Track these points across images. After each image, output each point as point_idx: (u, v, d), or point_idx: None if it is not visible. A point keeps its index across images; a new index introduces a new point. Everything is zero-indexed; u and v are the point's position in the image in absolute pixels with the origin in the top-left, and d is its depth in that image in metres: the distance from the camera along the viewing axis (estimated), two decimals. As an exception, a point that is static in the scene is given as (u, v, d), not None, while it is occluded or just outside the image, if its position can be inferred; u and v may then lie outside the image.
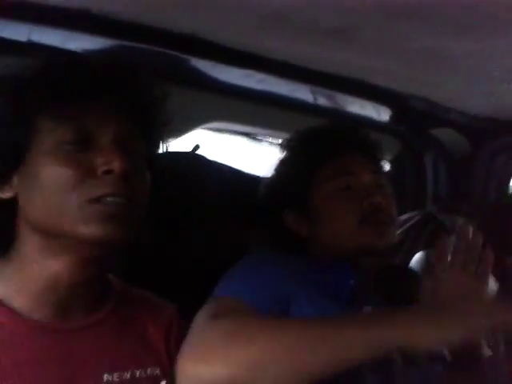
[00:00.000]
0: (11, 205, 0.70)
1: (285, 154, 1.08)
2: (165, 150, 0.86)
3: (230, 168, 1.25)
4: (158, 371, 0.75)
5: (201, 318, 0.77)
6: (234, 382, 0.65)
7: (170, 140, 1.19)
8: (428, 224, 1.68)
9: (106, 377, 0.70)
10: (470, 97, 1.37)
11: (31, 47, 0.98)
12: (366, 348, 0.64)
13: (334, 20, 0.93)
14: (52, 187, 0.67)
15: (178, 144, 1.30)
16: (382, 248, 0.96)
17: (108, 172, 0.67)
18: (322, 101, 1.41)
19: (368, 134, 1.08)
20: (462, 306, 0.66)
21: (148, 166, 0.76)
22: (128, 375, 0.72)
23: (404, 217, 1.68)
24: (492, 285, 0.85)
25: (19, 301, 0.69)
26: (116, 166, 0.66)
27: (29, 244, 0.70)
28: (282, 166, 1.08)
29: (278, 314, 0.84)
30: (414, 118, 1.53)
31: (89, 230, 0.66)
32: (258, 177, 1.24)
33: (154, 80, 0.77)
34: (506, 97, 1.33)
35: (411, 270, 1.09)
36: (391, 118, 1.54)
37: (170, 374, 0.75)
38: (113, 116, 0.71)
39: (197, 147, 1.22)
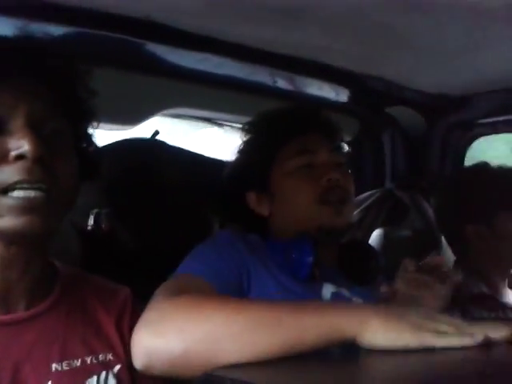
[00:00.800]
0: None
1: (247, 135, 1.10)
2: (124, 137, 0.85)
3: (190, 153, 1.25)
4: (110, 356, 0.74)
5: (160, 294, 0.78)
6: (188, 356, 0.66)
7: (129, 126, 1.18)
8: (387, 201, 1.73)
9: (54, 366, 0.69)
10: (423, 74, 1.40)
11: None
12: (317, 335, 0.65)
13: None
14: None
15: (137, 131, 1.29)
16: (340, 226, 0.99)
17: (20, 157, 0.63)
18: (281, 83, 1.41)
19: (328, 114, 1.11)
20: (420, 318, 0.65)
21: (76, 145, 0.73)
22: (78, 363, 0.71)
23: (364, 195, 1.72)
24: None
25: None
26: (28, 150, 0.63)
27: None
28: (245, 147, 1.09)
29: (235, 294, 0.86)
30: (371, 97, 1.56)
31: (3, 222, 0.64)
32: (219, 161, 1.24)
33: (82, 62, 0.74)
34: (457, 73, 1.37)
35: (370, 246, 1.12)
36: (349, 98, 1.56)
37: (124, 358, 0.75)
38: (24, 96, 0.67)
39: (156, 133, 1.22)
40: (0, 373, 0.65)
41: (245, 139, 1.10)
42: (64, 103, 0.71)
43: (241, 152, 1.10)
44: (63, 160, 0.68)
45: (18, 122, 0.65)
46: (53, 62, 0.72)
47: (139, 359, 0.70)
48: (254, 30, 1.09)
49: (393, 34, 1.07)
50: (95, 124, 0.79)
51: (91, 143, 0.79)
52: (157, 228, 1.09)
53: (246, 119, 1.17)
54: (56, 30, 1.01)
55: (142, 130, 1.30)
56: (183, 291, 0.77)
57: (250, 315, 0.68)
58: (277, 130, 1.05)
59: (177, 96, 1.32)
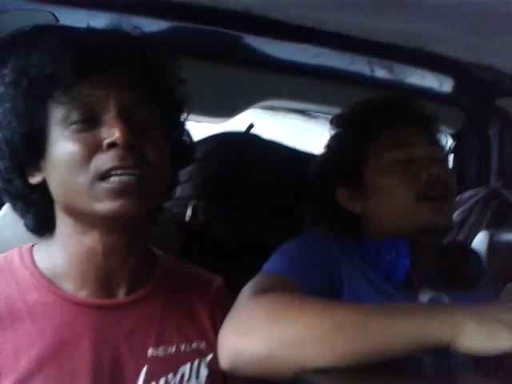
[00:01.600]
0: (46, 189, 0.73)
1: (336, 129, 1.05)
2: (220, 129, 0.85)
3: (284, 147, 1.24)
4: (203, 345, 0.76)
5: (246, 292, 0.77)
6: (272, 357, 0.65)
7: (225, 119, 1.20)
8: (492, 201, 1.61)
9: (150, 351, 0.72)
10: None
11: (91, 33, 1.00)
12: (407, 341, 0.62)
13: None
14: (63, 166, 0.68)
15: (233, 123, 1.30)
16: (441, 227, 0.92)
17: (112, 145, 0.67)
18: (380, 73, 1.36)
19: (422, 105, 1.03)
20: None
21: (168, 133, 0.75)
22: (173, 349, 0.74)
23: (468, 193, 1.62)
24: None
25: (66, 280, 0.72)
26: (118, 137, 0.66)
27: (64, 223, 0.73)
28: (334, 141, 1.04)
29: (324, 294, 0.83)
30: (479, 88, 1.45)
31: (103, 206, 0.67)
32: (314, 155, 1.22)
33: (182, 55, 0.76)
34: None
35: (473, 249, 1.03)
36: (454, 88, 1.47)
37: (216, 347, 0.75)
38: (114, 88, 0.70)
39: (251, 126, 1.22)
40: (101, 354, 0.69)
41: (333, 133, 1.04)
42: (155, 93, 0.74)
43: (330, 146, 1.04)
44: (155, 147, 0.71)
45: (109, 113, 0.69)
46: (143, 52, 0.74)
47: (224, 359, 0.71)
48: (354, 18, 1.04)
49: (506, 22, 0.98)
50: (187, 114, 0.81)
51: (183, 133, 0.81)
52: (251, 221, 1.09)
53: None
54: (157, 25, 1.04)
55: (236, 123, 1.32)
56: (270, 290, 0.76)
57: (335, 318, 0.66)
58: (369, 122, 0.98)
59: (273, 88, 1.32)
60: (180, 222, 0.98)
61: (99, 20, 1.00)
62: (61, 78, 0.68)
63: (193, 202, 1.01)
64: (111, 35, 0.74)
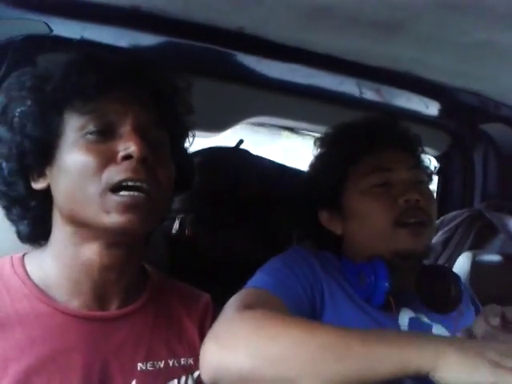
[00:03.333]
0: (47, 197, 0.73)
1: (319, 149, 1.05)
2: (209, 144, 0.87)
3: (272, 163, 1.25)
4: (191, 361, 0.76)
5: (230, 307, 0.77)
6: (255, 373, 0.65)
7: (214, 133, 1.21)
8: (476, 222, 1.63)
9: (139, 365, 0.72)
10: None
11: (84, 44, 1.01)
12: (389, 367, 0.62)
13: (382, 13, 0.91)
14: (75, 175, 0.69)
15: (222, 138, 1.31)
16: (417, 252, 0.92)
17: (127, 157, 0.69)
18: (369, 94, 1.38)
19: (407, 127, 1.03)
20: (498, 354, 0.60)
21: (173, 156, 0.77)
22: (162, 364, 0.74)
23: (451, 214, 1.64)
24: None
25: (58, 290, 0.72)
26: (134, 150, 0.68)
27: (62, 232, 0.73)
28: (317, 162, 1.04)
29: (306, 310, 0.83)
30: (464, 112, 1.48)
31: (110, 219, 0.68)
32: (302, 171, 1.23)
33: (175, 71, 0.78)
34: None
35: (451, 272, 1.04)
36: (440, 112, 1.50)
37: None
38: (132, 106, 0.72)
39: (240, 142, 1.23)
40: (91, 366, 0.69)
41: (317, 154, 1.04)
42: (165, 116, 0.76)
43: (313, 168, 1.05)
44: (165, 167, 0.74)
45: (126, 128, 0.71)
46: (159, 75, 0.77)
47: (207, 373, 0.71)
48: (343, 41, 1.07)
49: (494, 50, 1.00)
50: (190, 139, 0.83)
51: (186, 156, 0.83)
52: (237, 236, 1.09)
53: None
54: (149, 40, 1.05)
55: (225, 138, 1.33)
56: (253, 306, 0.76)
57: (320, 339, 0.66)
58: (350, 145, 0.98)
59: (263, 105, 1.33)
60: (167, 235, 0.99)
61: (93, 32, 1.02)
62: (84, 88, 0.70)
63: (180, 216, 1.01)
64: (134, 56, 0.78)
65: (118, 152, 0.69)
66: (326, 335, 0.67)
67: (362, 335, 0.67)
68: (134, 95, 0.73)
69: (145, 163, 0.69)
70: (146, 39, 1.05)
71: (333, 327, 0.71)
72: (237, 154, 1.20)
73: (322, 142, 1.05)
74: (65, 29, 1.01)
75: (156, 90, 0.75)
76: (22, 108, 0.72)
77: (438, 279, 0.97)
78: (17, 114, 0.72)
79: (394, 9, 0.88)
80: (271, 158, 1.28)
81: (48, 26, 1.01)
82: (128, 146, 0.69)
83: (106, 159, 0.69)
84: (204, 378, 0.71)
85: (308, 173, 1.06)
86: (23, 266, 0.74)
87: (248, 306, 0.76)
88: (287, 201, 1.10)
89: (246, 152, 1.20)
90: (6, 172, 0.73)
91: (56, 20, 0.98)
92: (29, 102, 0.72)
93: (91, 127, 0.70)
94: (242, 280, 0.86)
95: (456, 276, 1.00)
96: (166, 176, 0.73)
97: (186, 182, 0.83)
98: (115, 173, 0.68)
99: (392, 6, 0.88)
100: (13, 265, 0.74)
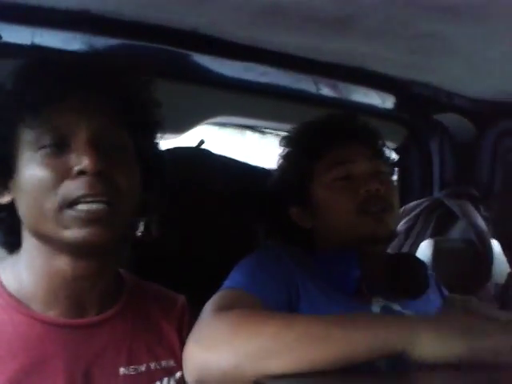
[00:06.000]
0: (14, 209, 0.72)
1: (284, 149, 1.09)
2: (170, 146, 0.86)
3: (235, 161, 1.26)
4: (172, 363, 0.77)
5: (208, 309, 0.78)
6: (239, 370, 0.66)
7: (175, 135, 1.21)
8: (436, 210, 1.68)
9: (122, 370, 0.72)
10: (473, 81, 1.36)
11: (34, 50, 0.99)
12: (367, 349, 0.65)
13: (333, 9, 0.93)
14: (32, 190, 0.67)
15: (183, 139, 1.31)
16: (382, 236, 0.96)
17: (81, 173, 0.66)
18: (326, 91, 1.41)
19: (366, 121, 1.07)
20: (471, 323, 0.65)
21: (138, 160, 0.74)
22: (143, 368, 0.74)
23: (412, 204, 1.69)
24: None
25: (34, 299, 0.71)
26: (87, 165, 0.66)
27: (30, 245, 0.72)
28: (283, 162, 1.08)
29: (284, 307, 0.85)
30: (418, 104, 1.53)
31: (70, 234, 0.66)
32: (264, 169, 1.25)
33: (136, 74, 0.76)
34: (508, 79, 1.32)
35: (419, 260, 1.08)
36: (395, 105, 1.53)
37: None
38: (85, 114, 0.69)
39: (202, 142, 1.23)
40: (73, 374, 0.68)
41: (282, 153, 1.08)
42: (127, 116, 0.73)
43: (279, 167, 1.09)
44: (125, 173, 0.71)
45: (79, 140, 0.68)
46: (114, 76, 0.74)
47: (191, 374, 0.71)
48: (297, 38, 1.09)
49: (442, 42, 1.04)
50: (160, 135, 0.81)
51: (156, 154, 0.81)
52: (202, 236, 1.10)
53: (290, 127, 1.17)
54: (103, 42, 1.04)
55: (187, 139, 1.33)
56: (232, 306, 0.77)
57: (299, 329, 0.68)
58: (312, 142, 1.03)
59: (222, 105, 1.34)
60: (132, 237, 0.98)
61: (43, 37, 1.00)
62: (31, 102, 0.67)
63: (145, 218, 1.00)
64: (83, 58, 0.75)
65: (71, 166, 0.67)
66: (304, 324, 0.69)
67: (339, 320, 0.69)
68: (86, 101, 0.70)
69: (101, 175, 0.67)
70: (100, 42, 1.04)
71: (309, 316, 0.74)
72: (198, 153, 1.20)
73: (286, 141, 1.09)
74: (14, 35, 0.99)
75: (111, 90, 0.72)
76: None
77: (405, 266, 1.02)
78: None
79: (341, 4, 0.90)
80: (234, 157, 1.28)
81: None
82: (81, 161, 0.66)
83: (62, 174, 0.67)
84: (188, 379, 0.72)
85: (276, 172, 1.09)
86: None
87: (227, 307, 0.77)
88: (251, 199, 1.11)
89: (206, 151, 1.20)
90: None
91: (5, 26, 0.96)
92: None
93: (44, 141, 0.68)
94: (209, 280, 0.86)
95: (423, 263, 1.04)
96: (128, 182, 0.70)
97: (157, 181, 0.80)
98: (71, 189, 0.66)
99: (342, 2, 0.91)
100: None
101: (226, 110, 1.36)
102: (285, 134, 1.12)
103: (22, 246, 0.73)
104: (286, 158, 1.08)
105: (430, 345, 0.63)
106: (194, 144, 1.25)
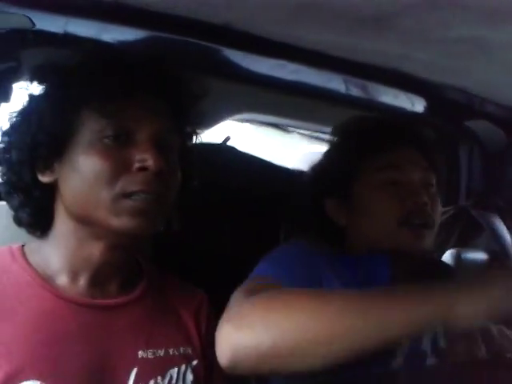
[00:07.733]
0: (51, 189, 0.74)
1: (335, 138, 1.05)
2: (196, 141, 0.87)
3: (259, 160, 1.25)
4: (190, 350, 0.78)
5: (238, 294, 0.78)
6: (277, 348, 0.65)
7: (201, 131, 1.20)
8: (460, 219, 1.64)
9: (140, 353, 0.73)
10: (508, 88, 1.32)
11: (67, 39, 0.99)
12: (406, 325, 0.64)
13: (369, 8, 0.91)
14: (89, 178, 0.70)
15: (209, 135, 1.30)
16: (418, 252, 0.93)
17: (142, 169, 0.70)
18: (355, 91, 1.38)
19: (422, 129, 1.06)
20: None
21: (180, 159, 0.78)
22: (162, 352, 0.75)
23: (437, 211, 1.65)
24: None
25: (59, 278, 0.73)
26: (151, 164, 0.69)
27: (65, 227, 0.74)
28: (331, 150, 1.05)
29: None
30: (449, 109, 1.49)
31: (120, 222, 0.70)
32: (288, 168, 1.23)
33: (192, 74, 0.80)
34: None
35: (448, 265, 1.06)
36: (425, 108, 1.50)
37: (201, 355, 0.78)
38: (151, 113, 0.73)
39: (227, 138, 1.23)
40: (92, 353, 0.70)
41: (332, 142, 1.05)
42: (180, 122, 0.78)
43: (326, 155, 1.05)
44: (174, 172, 0.76)
45: (143, 136, 0.72)
46: (177, 79, 0.78)
47: (224, 355, 0.69)
48: (331, 37, 1.07)
49: (481, 46, 1.01)
50: (200, 138, 0.86)
51: (191, 158, 0.85)
52: (223, 233, 1.09)
53: (318, 127, 1.15)
54: (134, 34, 1.04)
55: (212, 135, 1.32)
56: (260, 291, 0.76)
57: (335, 306, 0.67)
58: (368, 138, 0.99)
59: (250, 101, 1.33)
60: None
61: (76, 26, 1.01)
62: (108, 89, 0.70)
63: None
64: (155, 60, 0.78)
65: (133, 161, 0.70)
66: (340, 301, 0.68)
67: (375, 298, 0.68)
68: (152, 101, 0.74)
69: (159, 174, 0.70)
70: (131, 34, 1.04)
71: (346, 293, 0.73)
72: (223, 149, 1.19)
73: (339, 130, 1.06)
74: (47, 23, 0.99)
75: (173, 95, 0.76)
76: (42, 101, 0.72)
77: (434, 272, 1.01)
78: (36, 107, 0.72)
79: (379, 4, 0.88)
80: (258, 155, 1.27)
81: (30, 20, 0.99)
82: (145, 158, 0.70)
83: (122, 167, 0.70)
84: (222, 361, 0.71)
85: (320, 161, 1.05)
86: (23, 255, 0.74)
87: (255, 291, 0.76)
88: (274, 196, 1.10)
89: (232, 148, 1.19)
90: (14, 160, 0.73)
91: (38, 14, 0.96)
92: (49, 96, 0.72)
93: (108, 131, 0.70)
94: (228, 275, 0.85)
95: (452, 269, 1.02)
96: (176, 180, 0.76)
97: (188, 179, 0.83)
98: (130, 183, 0.70)
99: (378, 1, 0.88)
100: (12, 254, 0.74)
101: (254, 106, 1.35)
102: (309, 133, 1.10)
103: (51, 230, 0.76)
104: (336, 148, 1.04)
105: (471, 308, 0.63)
106: (219, 140, 1.24)
